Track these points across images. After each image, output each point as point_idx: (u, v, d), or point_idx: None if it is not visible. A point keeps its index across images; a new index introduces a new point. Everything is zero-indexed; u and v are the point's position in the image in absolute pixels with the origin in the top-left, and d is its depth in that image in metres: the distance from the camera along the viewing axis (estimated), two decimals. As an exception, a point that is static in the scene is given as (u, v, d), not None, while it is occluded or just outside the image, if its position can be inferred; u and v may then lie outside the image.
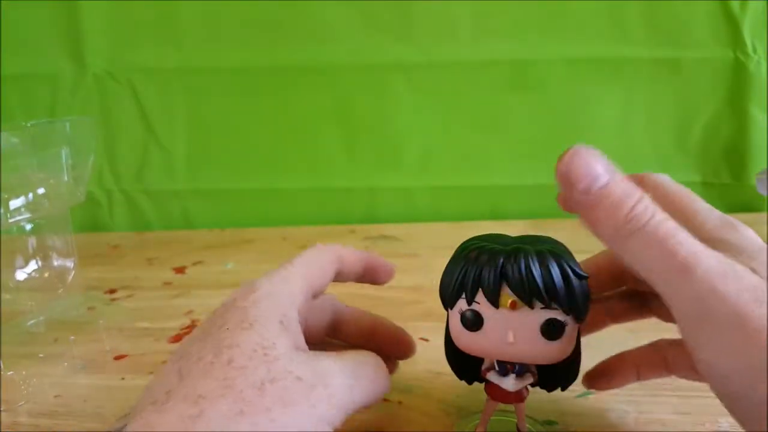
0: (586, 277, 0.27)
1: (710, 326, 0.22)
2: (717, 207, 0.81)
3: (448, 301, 0.28)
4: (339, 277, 0.33)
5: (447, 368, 0.39)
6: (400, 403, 0.37)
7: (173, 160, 0.83)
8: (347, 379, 0.25)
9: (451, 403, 0.37)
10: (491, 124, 0.79)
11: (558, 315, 0.26)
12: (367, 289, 0.56)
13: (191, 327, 0.51)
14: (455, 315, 0.28)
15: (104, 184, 0.84)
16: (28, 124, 0.46)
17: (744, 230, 0.25)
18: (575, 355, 0.29)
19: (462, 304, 0.27)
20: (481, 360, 0.30)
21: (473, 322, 0.27)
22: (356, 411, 0.25)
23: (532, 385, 0.30)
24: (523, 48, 0.75)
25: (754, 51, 0.72)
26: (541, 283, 0.25)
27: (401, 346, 0.35)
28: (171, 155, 0.83)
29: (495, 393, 0.30)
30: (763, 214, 0.74)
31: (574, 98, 0.76)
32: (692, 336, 0.23)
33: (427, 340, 0.45)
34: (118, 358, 0.46)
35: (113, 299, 0.58)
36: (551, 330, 0.26)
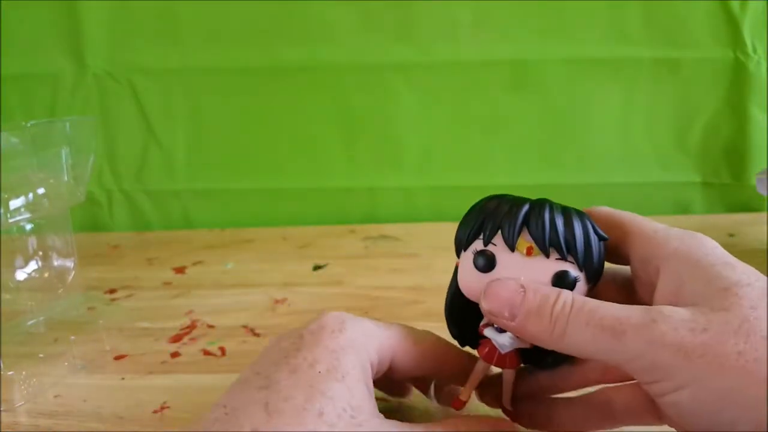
0: (606, 239, 0.27)
1: (661, 371, 0.22)
2: (717, 207, 0.82)
3: (463, 241, 0.28)
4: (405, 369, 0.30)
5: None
6: (400, 402, 0.37)
7: (173, 160, 0.83)
8: None
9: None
10: (491, 124, 0.79)
11: (572, 269, 0.26)
12: (367, 289, 0.56)
13: (191, 327, 0.51)
14: (468, 257, 0.28)
15: (104, 184, 0.84)
16: (28, 124, 0.46)
17: (705, 241, 0.26)
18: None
19: (477, 244, 0.27)
20: (479, 320, 0.30)
21: (486, 263, 0.27)
22: None
23: (526, 358, 0.29)
24: (523, 48, 0.75)
25: (754, 51, 0.72)
26: (562, 234, 0.26)
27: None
28: (171, 155, 0.83)
29: (488, 354, 0.29)
30: (763, 214, 0.74)
31: (574, 98, 0.77)
32: (652, 387, 0.23)
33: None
34: (118, 358, 0.46)
35: (113, 299, 0.58)
36: (563, 282, 0.26)
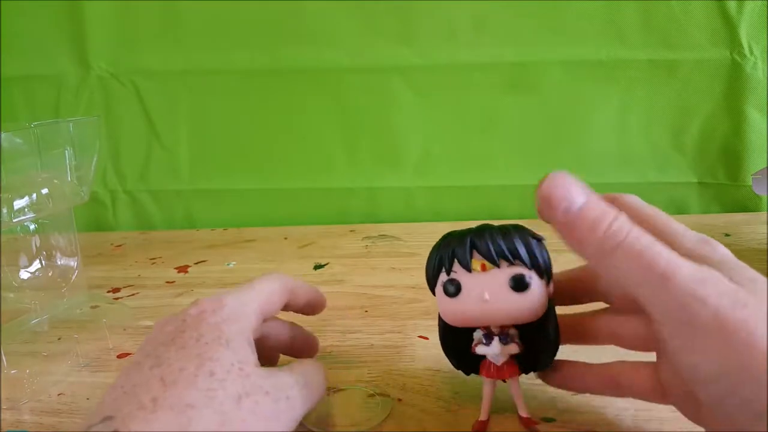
0: (542, 239, 0.31)
1: (692, 330, 0.23)
2: (714, 208, 0.81)
3: (432, 279, 0.32)
4: (285, 307, 0.36)
5: (445, 366, 0.40)
6: (399, 400, 0.37)
7: (176, 161, 0.83)
8: (302, 389, 0.29)
9: (450, 400, 0.37)
10: (490, 125, 0.79)
11: (523, 270, 0.30)
12: (367, 288, 0.57)
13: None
14: (439, 290, 0.31)
15: (108, 185, 0.85)
16: (32, 125, 0.46)
17: (718, 247, 0.27)
18: (550, 329, 0.32)
19: (443, 277, 0.31)
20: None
21: (454, 289, 0.30)
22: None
23: (524, 366, 0.33)
24: (521, 50, 0.76)
25: (751, 52, 0.72)
26: (504, 245, 0.30)
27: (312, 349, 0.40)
28: (174, 156, 0.83)
29: (488, 371, 0.32)
30: (759, 214, 0.75)
31: (572, 100, 0.77)
32: (675, 341, 0.24)
33: (426, 338, 0.46)
34: (121, 356, 0.47)
35: (116, 298, 0.58)
36: (518, 283, 0.29)
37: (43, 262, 0.52)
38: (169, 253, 0.71)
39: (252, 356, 0.28)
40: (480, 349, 0.32)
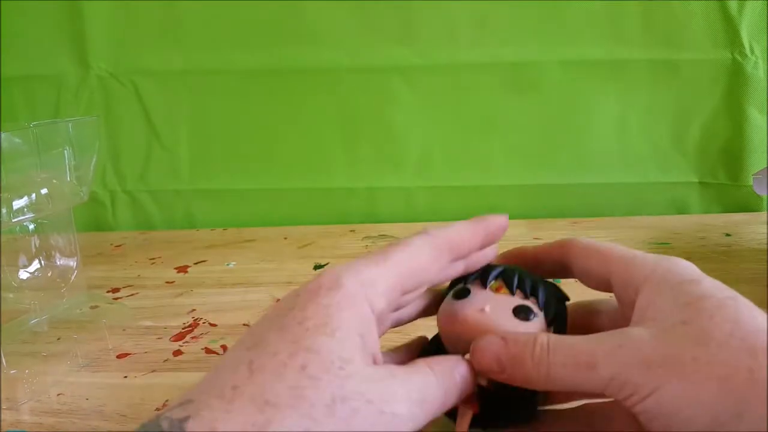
0: (568, 299, 0.31)
1: (632, 387, 0.24)
2: (714, 207, 0.82)
3: (446, 292, 0.32)
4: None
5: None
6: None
7: (176, 161, 0.83)
8: (413, 408, 0.24)
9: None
10: (490, 125, 0.79)
11: (532, 305, 0.29)
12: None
13: (194, 326, 0.51)
14: (448, 297, 0.31)
15: (108, 185, 0.85)
16: (32, 125, 0.46)
17: (679, 264, 0.28)
18: (530, 394, 0.29)
19: (459, 286, 0.31)
20: None
21: (462, 293, 0.30)
22: None
23: (482, 411, 0.29)
24: (521, 50, 0.76)
25: (752, 52, 0.72)
26: (529, 282, 0.30)
27: None
28: (174, 156, 0.83)
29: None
30: (759, 214, 0.74)
31: (572, 100, 0.77)
32: (626, 402, 0.24)
33: (426, 338, 0.46)
34: (120, 356, 0.46)
35: (116, 298, 0.58)
36: (522, 311, 0.29)
37: (43, 262, 0.52)
38: (169, 253, 0.71)
39: (361, 353, 0.24)
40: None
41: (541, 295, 0.30)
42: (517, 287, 0.30)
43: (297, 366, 0.22)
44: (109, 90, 0.82)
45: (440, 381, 0.26)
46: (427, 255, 0.29)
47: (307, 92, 0.80)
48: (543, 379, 0.26)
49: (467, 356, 0.28)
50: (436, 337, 0.33)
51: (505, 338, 0.27)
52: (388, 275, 0.27)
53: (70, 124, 0.49)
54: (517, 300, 0.30)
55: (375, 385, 0.23)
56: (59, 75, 0.81)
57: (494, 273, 0.31)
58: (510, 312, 0.29)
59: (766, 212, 0.75)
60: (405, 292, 0.28)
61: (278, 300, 0.27)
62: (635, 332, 0.25)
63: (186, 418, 0.21)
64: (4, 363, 0.45)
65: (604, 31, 0.74)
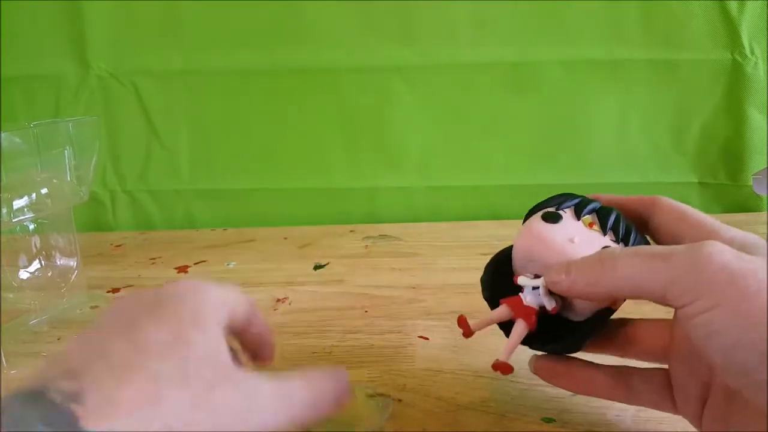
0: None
1: (703, 290, 0.24)
2: (714, 207, 0.81)
3: (535, 208, 0.33)
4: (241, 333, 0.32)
5: (445, 366, 0.40)
6: (399, 400, 0.37)
7: (176, 161, 0.83)
8: (279, 402, 0.27)
9: (450, 401, 0.37)
10: (490, 125, 0.79)
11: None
12: (368, 288, 0.57)
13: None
14: (536, 216, 0.32)
15: (108, 184, 0.85)
16: (32, 125, 0.47)
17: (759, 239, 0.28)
18: (595, 319, 0.30)
19: (550, 209, 0.32)
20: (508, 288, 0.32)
21: (554, 217, 0.30)
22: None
23: (540, 329, 0.30)
24: (521, 50, 0.76)
25: (752, 52, 0.72)
26: (623, 225, 0.30)
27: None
28: (174, 156, 0.83)
29: (515, 303, 0.31)
30: (759, 214, 0.75)
31: (572, 100, 0.77)
32: (688, 309, 0.24)
33: (426, 338, 0.46)
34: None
35: (116, 298, 0.58)
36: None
37: (43, 262, 0.52)
38: (169, 253, 0.71)
39: (226, 350, 0.27)
40: (523, 280, 0.31)
41: (632, 242, 0.30)
42: (611, 228, 0.30)
43: (181, 355, 0.24)
44: (109, 90, 0.82)
45: (311, 384, 0.28)
46: (244, 305, 0.31)
47: (307, 92, 0.80)
48: (609, 271, 0.26)
49: (533, 276, 0.30)
50: (504, 253, 0.33)
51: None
52: (231, 299, 0.30)
53: (70, 124, 0.49)
54: (607, 240, 0.30)
55: (243, 379, 0.26)
56: (59, 75, 0.81)
57: (590, 207, 0.31)
58: (599, 248, 0.29)
59: (766, 212, 0.75)
60: (231, 320, 0.30)
61: (127, 299, 0.29)
62: (717, 243, 0.25)
63: (81, 390, 0.21)
64: (5, 363, 0.45)
65: (604, 31, 0.74)
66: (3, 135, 0.43)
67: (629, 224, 0.31)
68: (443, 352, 0.43)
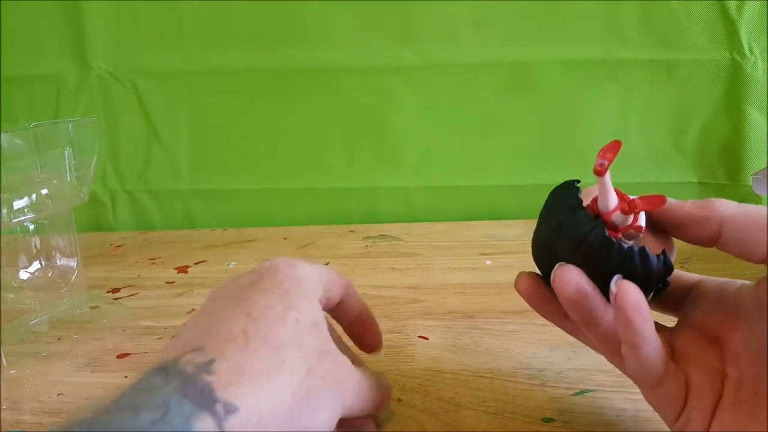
0: None
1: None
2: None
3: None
4: (337, 307, 0.34)
5: (446, 366, 0.40)
6: (399, 400, 0.37)
7: (176, 161, 0.83)
8: (356, 387, 0.28)
9: (450, 401, 0.37)
10: (490, 125, 0.79)
11: None
12: (368, 288, 0.57)
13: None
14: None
15: (108, 185, 0.85)
16: (32, 125, 0.47)
17: None
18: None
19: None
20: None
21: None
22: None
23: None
24: (521, 50, 0.76)
25: (751, 52, 0.72)
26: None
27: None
28: (174, 156, 0.83)
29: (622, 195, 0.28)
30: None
31: (572, 100, 0.77)
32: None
33: (426, 338, 0.46)
34: (121, 356, 0.47)
35: (116, 298, 0.58)
36: None
37: (43, 262, 0.52)
38: (169, 253, 0.71)
39: (324, 320, 0.28)
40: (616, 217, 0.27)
41: None
42: None
43: (293, 318, 0.26)
44: (109, 90, 0.82)
45: (370, 382, 0.29)
46: (337, 283, 0.32)
47: (307, 92, 0.80)
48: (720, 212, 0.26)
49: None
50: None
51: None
52: (324, 273, 0.31)
53: (70, 125, 0.49)
54: None
55: (339, 354, 0.27)
56: (59, 75, 0.81)
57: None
58: None
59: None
60: (327, 295, 0.31)
61: (228, 281, 0.30)
62: None
63: (211, 361, 0.23)
64: (5, 363, 0.45)
65: (603, 31, 0.74)
66: (3, 135, 0.43)
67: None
68: (443, 352, 0.43)
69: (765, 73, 0.72)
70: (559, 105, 0.77)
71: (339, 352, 0.28)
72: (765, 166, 0.74)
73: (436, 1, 0.75)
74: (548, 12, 0.74)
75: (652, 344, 0.26)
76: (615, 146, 0.28)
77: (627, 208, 0.26)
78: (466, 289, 0.55)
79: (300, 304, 0.27)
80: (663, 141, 0.77)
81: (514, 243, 0.66)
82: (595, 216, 0.27)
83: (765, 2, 0.71)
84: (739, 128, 0.74)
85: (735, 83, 0.73)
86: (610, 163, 0.27)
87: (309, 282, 0.29)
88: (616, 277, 0.26)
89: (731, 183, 0.76)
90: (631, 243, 0.27)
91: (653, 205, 0.26)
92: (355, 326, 0.35)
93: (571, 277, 0.26)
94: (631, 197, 0.27)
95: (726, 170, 0.76)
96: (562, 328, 0.32)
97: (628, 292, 0.25)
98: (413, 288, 0.56)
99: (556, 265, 0.27)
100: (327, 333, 0.27)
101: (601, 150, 0.28)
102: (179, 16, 0.79)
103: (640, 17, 0.73)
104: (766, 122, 0.73)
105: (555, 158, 0.78)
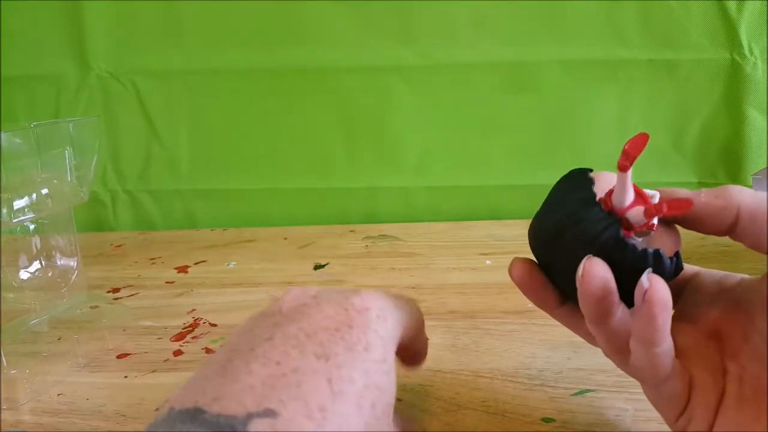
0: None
1: None
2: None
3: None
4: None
5: (446, 366, 0.40)
6: (399, 400, 0.37)
7: (176, 161, 0.83)
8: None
9: (450, 401, 0.37)
10: (490, 125, 0.79)
11: None
12: (367, 288, 0.57)
13: (194, 325, 0.51)
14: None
15: (108, 185, 0.85)
16: (32, 125, 0.46)
17: None
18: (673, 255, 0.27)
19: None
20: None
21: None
22: None
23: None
24: (521, 50, 0.76)
25: (751, 52, 0.72)
26: None
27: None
28: (174, 156, 0.83)
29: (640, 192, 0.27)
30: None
31: (572, 100, 0.77)
32: None
33: (426, 338, 0.46)
34: (121, 356, 0.47)
35: (116, 298, 0.58)
36: None
37: (43, 262, 0.52)
38: (169, 253, 0.71)
39: (393, 391, 0.25)
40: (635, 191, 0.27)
41: None
42: None
43: (369, 402, 0.23)
44: (109, 90, 0.82)
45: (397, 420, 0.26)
46: (415, 324, 0.31)
47: (307, 92, 0.80)
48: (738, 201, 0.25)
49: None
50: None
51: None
52: (405, 323, 0.29)
53: (70, 125, 0.49)
54: None
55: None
56: (59, 75, 0.81)
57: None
58: None
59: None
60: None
61: (309, 299, 0.27)
62: None
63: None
64: (5, 363, 0.45)
65: (603, 31, 0.74)
66: (3, 135, 0.43)
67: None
68: (443, 352, 0.43)
69: (765, 74, 0.72)
70: (559, 105, 0.77)
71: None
72: (765, 166, 0.74)
73: (436, 1, 0.75)
74: (548, 12, 0.74)
75: (666, 342, 0.25)
76: (642, 140, 0.27)
77: (652, 212, 0.25)
78: (466, 289, 0.55)
79: (382, 381, 0.24)
80: (663, 141, 0.77)
81: (514, 243, 0.66)
82: (609, 212, 0.27)
83: (765, 2, 0.71)
84: (739, 128, 0.74)
85: (735, 83, 0.73)
86: (635, 158, 0.26)
87: (392, 343, 0.26)
88: (647, 271, 0.25)
89: (731, 183, 0.76)
90: (641, 240, 0.26)
91: (679, 209, 0.25)
92: (408, 353, 0.33)
93: (599, 272, 0.25)
94: (649, 193, 0.27)
95: (726, 170, 0.76)
96: (554, 317, 0.31)
97: (660, 288, 0.24)
98: (413, 288, 0.56)
99: (585, 258, 0.26)
100: (390, 408, 0.24)
101: (628, 143, 0.27)
102: (179, 16, 0.79)
103: (640, 17, 0.73)
104: (766, 122, 0.73)
105: (555, 158, 0.78)
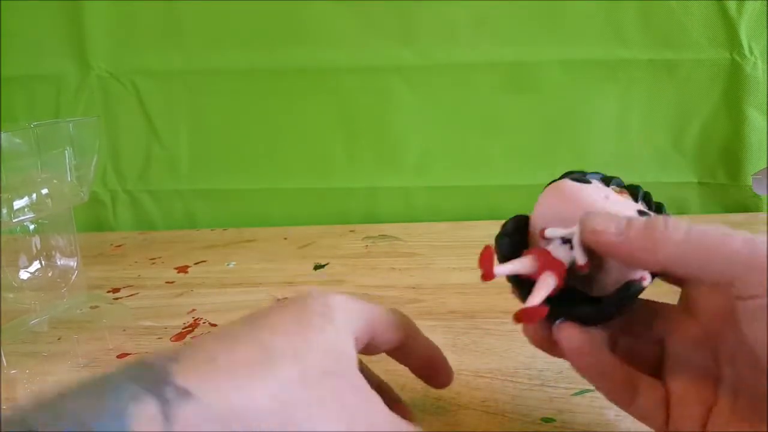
0: None
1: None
2: (713, 207, 0.81)
3: (560, 176, 0.30)
4: (400, 355, 0.32)
5: (446, 366, 0.39)
6: (399, 400, 0.37)
7: (176, 161, 0.83)
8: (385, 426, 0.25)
9: (450, 401, 0.37)
10: (490, 125, 0.79)
11: None
12: (368, 288, 0.57)
13: (194, 325, 0.51)
14: (567, 179, 0.29)
15: (108, 185, 0.85)
16: (32, 125, 0.47)
17: None
18: (628, 288, 0.27)
19: (576, 175, 0.29)
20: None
21: (582, 180, 0.29)
22: None
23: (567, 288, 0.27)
24: (521, 50, 0.76)
25: (751, 52, 0.72)
26: (652, 198, 0.29)
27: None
28: (174, 156, 0.83)
29: (539, 252, 0.28)
30: (760, 214, 0.74)
31: (572, 100, 0.77)
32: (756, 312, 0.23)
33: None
34: (121, 356, 0.47)
35: (116, 298, 0.58)
36: (645, 216, 0.27)
37: (43, 262, 0.52)
38: (169, 253, 0.71)
39: (353, 353, 0.26)
40: (552, 231, 0.28)
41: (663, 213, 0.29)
42: (642, 198, 0.29)
43: (300, 334, 0.24)
44: (109, 90, 0.82)
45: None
46: (394, 324, 0.31)
47: (307, 92, 0.80)
48: (674, 245, 0.23)
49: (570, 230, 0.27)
50: (517, 221, 0.31)
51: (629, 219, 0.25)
52: (370, 310, 0.29)
53: (70, 125, 0.49)
54: (641, 206, 0.28)
55: (364, 386, 0.25)
56: (59, 75, 0.81)
57: (618, 180, 0.29)
58: (634, 210, 0.27)
59: (765, 212, 0.75)
60: (373, 334, 0.29)
61: (285, 305, 0.27)
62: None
63: (177, 354, 0.21)
64: (5, 363, 0.45)
65: (603, 31, 0.74)
66: (3, 135, 0.43)
67: (660, 202, 0.29)
68: (443, 352, 0.43)
69: (765, 74, 0.72)
70: (559, 105, 0.77)
71: (365, 388, 0.25)
72: (765, 166, 0.74)
73: (436, 1, 0.75)
74: (548, 12, 0.74)
75: (604, 380, 0.27)
76: (488, 253, 0.28)
77: (519, 316, 0.25)
78: (466, 289, 0.55)
79: (325, 327, 0.25)
80: (663, 141, 0.77)
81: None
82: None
83: (765, 2, 0.71)
84: (738, 128, 0.74)
85: (735, 83, 0.73)
86: (491, 266, 0.28)
87: (341, 312, 0.27)
88: (558, 322, 0.27)
89: (731, 183, 0.76)
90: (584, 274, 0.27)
91: (528, 320, 0.26)
92: (424, 368, 0.33)
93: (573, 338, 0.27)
94: (570, 230, 0.27)
95: (726, 170, 0.76)
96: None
97: (566, 338, 0.26)
98: (413, 288, 0.56)
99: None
100: (352, 363, 0.25)
101: (480, 260, 0.28)
102: (179, 16, 0.79)
103: (640, 17, 0.73)
104: (766, 122, 0.73)
105: (555, 158, 0.78)
